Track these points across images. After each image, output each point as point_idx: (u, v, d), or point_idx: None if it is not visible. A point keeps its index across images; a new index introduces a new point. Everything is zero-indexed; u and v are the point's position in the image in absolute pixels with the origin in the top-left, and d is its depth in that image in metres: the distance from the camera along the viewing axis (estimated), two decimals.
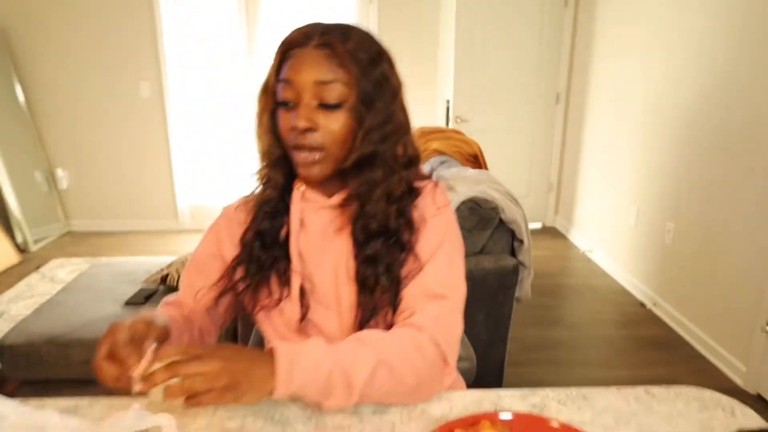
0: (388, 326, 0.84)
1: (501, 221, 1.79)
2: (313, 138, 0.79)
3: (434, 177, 0.94)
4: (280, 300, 0.87)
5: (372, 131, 0.80)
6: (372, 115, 0.80)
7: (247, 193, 0.93)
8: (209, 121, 4.17)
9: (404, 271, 0.84)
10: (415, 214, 0.86)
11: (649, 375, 2.33)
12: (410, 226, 0.85)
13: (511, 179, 3.79)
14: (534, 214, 4.35)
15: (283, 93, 0.80)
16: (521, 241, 1.83)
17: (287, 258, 0.87)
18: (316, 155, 0.81)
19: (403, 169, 0.85)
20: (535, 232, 4.30)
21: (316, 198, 0.88)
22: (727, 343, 2.34)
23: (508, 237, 1.82)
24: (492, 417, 0.72)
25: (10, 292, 2.91)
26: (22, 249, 3.67)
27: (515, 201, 1.93)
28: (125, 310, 1.89)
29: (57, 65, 3.93)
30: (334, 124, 0.79)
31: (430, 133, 2.83)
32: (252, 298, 0.90)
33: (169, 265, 2.06)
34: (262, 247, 0.88)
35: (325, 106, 0.78)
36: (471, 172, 2.11)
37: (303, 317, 0.87)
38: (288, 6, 3.94)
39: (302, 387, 0.66)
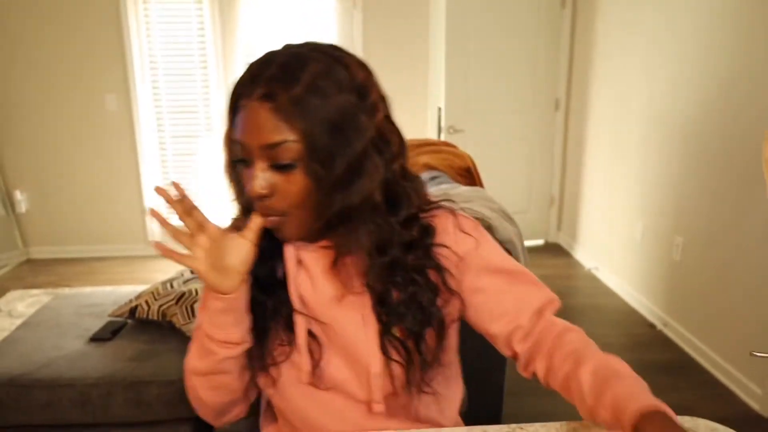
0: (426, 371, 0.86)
1: (495, 241, 1.83)
2: (271, 203, 0.77)
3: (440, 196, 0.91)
4: (290, 349, 0.85)
5: (333, 190, 0.76)
6: (330, 172, 0.75)
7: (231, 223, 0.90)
8: (182, 137, 4.20)
9: (452, 313, 0.87)
10: (444, 252, 0.85)
11: None
12: (439, 268, 0.84)
13: (509, 193, 3.86)
14: (535, 230, 4.40)
15: (238, 152, 0.78)
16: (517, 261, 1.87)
17: (290, 301, 0.85)
18: (279, 219, 0.79)
19: (393, 214, 0.81)
20: (537, 249, 4.35)
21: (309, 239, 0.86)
22: (742, 365, 2.38)
23: None
24: None
25: None
26: None
27: (510, 219, 1.97)
28: (90, 347, 1.90)
29: (15, 77, 3.95)
30: (292, 186, 0.76)
31: (419, 146, 2.88)
32: (260, 352, 0.86)
33: (139, 296, 2.07)
34: (261, 291, 0.85)
35: (279, 167, 0.75)
36: (462, 189, 2.15)
37: (315, 367, 0.85)
38: (264, 17, 4.00)
39: None
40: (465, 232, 0.87)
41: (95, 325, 2.04)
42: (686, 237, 2.79)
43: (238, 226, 0.87)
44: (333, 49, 0.79)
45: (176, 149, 4.23)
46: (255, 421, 1.06)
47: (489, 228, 1.81)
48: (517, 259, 1.86)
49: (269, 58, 0.76)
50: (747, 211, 2.34)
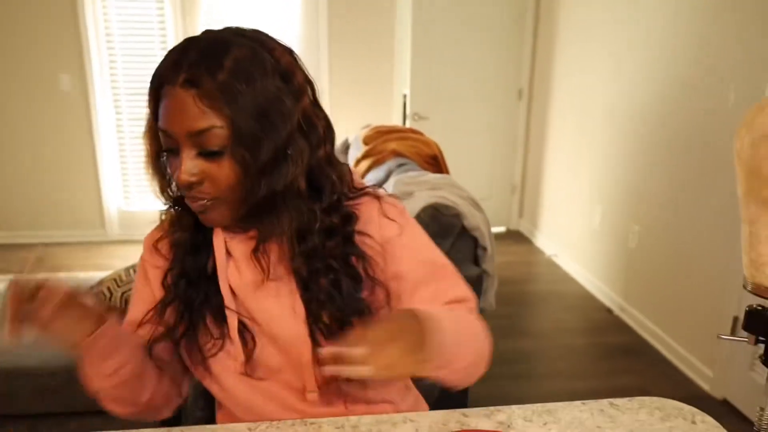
0: None
1: (463, 228, 1.85)
2: (201, 189, 0.77)
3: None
4: (222, 342, 0.86)
5: (260, 175, 0.76)
6: (257, 158, 0.75)
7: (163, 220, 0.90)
8: (141, 119, 4.08)
9: (378, 301, 0.86)
10: (367, 240, 0.85)
11: (617, 384, 2.45)
12: (361, 256, 0.84)
13: (472, 180, 3.89)
14: (497, 217, 4.47)
15: (164, 141, 0.78)
16: (485, 249, 1.90)
17: (219, 293, 0.85)
18: (209, 202, 0.79)
19: (317, 200, 0.82)
20: (498, 236, 4.42)
21: (237, 228, 0.86)
22: (694, 348, 2.50)
23: (471, 245, 1.89)
24: None
25: None
26: None
27: (478, 206, 2.00)
28: None
29: None
30: (220, 172, 0.76)
31: (387, 132, 2.88)
32: (192, 345, 0.87)
33: (100, 283, 2.01)
34: (189, 284, 0.86)
35: (207, 154, 0.75)
36: (431, 176, 2.17)
37: (248, 357, 0.86)
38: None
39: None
40: (389, 218, 0.87)
41: None
42: (642, 225, 2.90)
43: (165, 223, 0.89)
44: (256, 33, 0.79)
45: (134, 132, 4.10)
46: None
47: (458, 215, 1.83)
48: (485, 246, 1.90)
49: (189, 44, 0.75)
50: (700, 201, 2.44)
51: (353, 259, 0.84)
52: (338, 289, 0.83)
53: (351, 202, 0.86)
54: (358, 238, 0.85)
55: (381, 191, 0.90)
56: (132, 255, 3.18)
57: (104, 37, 3.90)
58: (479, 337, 0.85)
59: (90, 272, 2.88)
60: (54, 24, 3.79)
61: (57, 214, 4.12)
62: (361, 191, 0.88)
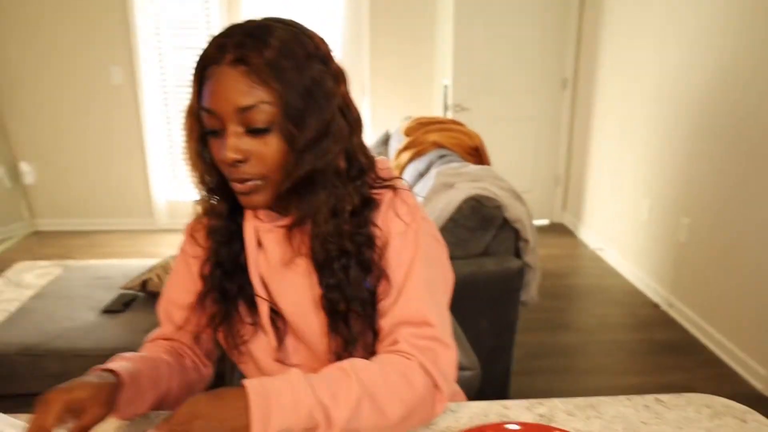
0: (370, 352, 0.85)
1: (505, 220, 1.84)
2: (246, 168, 0.78)
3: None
4: (255, 328, 0.89)
5: (305, 151, 0.78)
6: (303, 134, 0.77)
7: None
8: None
9: (379, 294, 0.84)
10: (376, 231, 0.84)
11: (663, 381, 2.39)
12: (371, 243, 0.84)
13: (514, 172, 3.86)
14: (540, 209, 4.40)
15: (208, 122, 0.79)
16: (526, 241, 1.88)
17: (251, 283, 0.88)
18: (255, 183, 0.79)
19: (350, 181, 0.84)
20: (541, 229, 4.36)
21: (268, 216, 0.88)
22: (747, 345, 2.41)
23: (513, 237, 1.87)
24: (498, 427, 0.77)
25: None
26: None
27: (519, 198, 1.98)
28: (103, 318, 1.93)
29: (19, 49, 3.92)
30: (267, 149, 0.77)
31: (429, 124, 2.87)
32: (228, 333, 0.91)
33: (150, 269, 2.09)
34: (225, 275, 0.89)
35: (254, 132, 0.76)
36: (472, 167, 2.15)
37: (280, 343, 0.89)
38: None
39: (281, 429, 0.68)
40: (397, 214, 0.85)
41: (106, 297, 2.06)
42: (693, 218, 2.80)
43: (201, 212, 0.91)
44: (293, 21, 0.82)
45: (182, 124, 4.21)
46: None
47: (499, 207, 1.81)
48: (526, 238, 1.87)
49: (233, 29, 0.78)
50: (754, 192, 2.34)
51: (364, 246, 0.84)
52: (346, 274, 0.83)
53: (373, 191, 0.87)
54: (371, 227, 0.85)
55: (402, 185, 0.89)
56: (179, 243, 3.27)
57: (153, 30, 4.00)
58: (401, 390, 0.76)
59: (139, 259, 2.98)
60: (106, 19, 3.91)
61: (108, 203, 4.28)
62: (386, 182, 0.88)
